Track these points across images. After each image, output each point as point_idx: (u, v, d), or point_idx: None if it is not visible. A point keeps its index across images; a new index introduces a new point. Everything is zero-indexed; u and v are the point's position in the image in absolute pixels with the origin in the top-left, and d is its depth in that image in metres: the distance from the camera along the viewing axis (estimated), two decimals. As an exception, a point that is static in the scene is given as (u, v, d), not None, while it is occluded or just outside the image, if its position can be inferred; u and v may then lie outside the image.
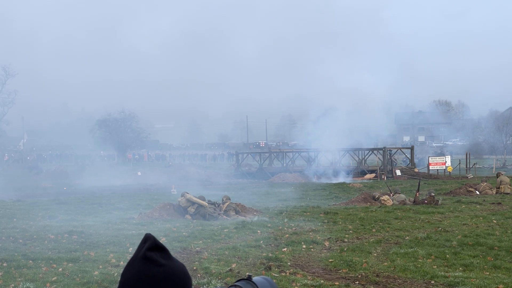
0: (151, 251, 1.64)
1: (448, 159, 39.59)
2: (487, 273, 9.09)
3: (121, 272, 1.69)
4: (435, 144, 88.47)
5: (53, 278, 8.53)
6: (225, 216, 16.06)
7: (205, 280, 8.29)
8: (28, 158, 72.79)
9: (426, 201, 19.23)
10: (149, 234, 1.69)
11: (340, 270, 9.42)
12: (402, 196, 20.65)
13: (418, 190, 20.48)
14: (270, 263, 9.57)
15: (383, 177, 36.88)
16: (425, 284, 8.46)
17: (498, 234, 12.87)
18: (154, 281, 1.63)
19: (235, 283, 1.78)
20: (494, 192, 23.41)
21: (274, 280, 8.31)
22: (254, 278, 1.78)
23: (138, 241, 11.47)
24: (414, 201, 19.64)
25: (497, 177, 24.59)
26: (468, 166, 41.45)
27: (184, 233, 12.97)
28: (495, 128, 68.38)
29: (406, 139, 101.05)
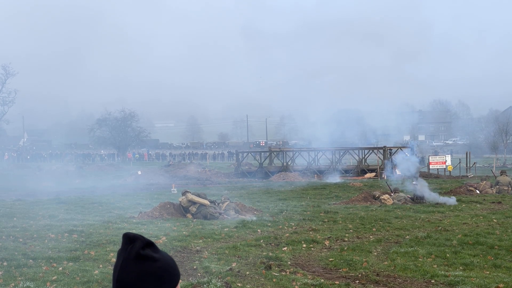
0: (144, 249, 1.67)
1: (448, 158, 39.58)
2: (487, 272, 9.09)
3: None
4: (435, 143, 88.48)
5: (53, 277, 8.53)
6: (225, 216, 16.03)
7: (205, 279, 8.28)
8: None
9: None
10: (132, 233, 1.70)
11: (340, 269, 9.42)
12: (402, 194, 20.72)
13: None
14: (270, 262, 9.57)
15: (383, 176, 36.86)
16: (425, 283, 8.46)
17: (498, 233, 12.87)
18: (156, 277, 1.67)
19: None
20: (494, 191, 23.40)
21: (274, 280, 8.31)
22: None
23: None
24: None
25: (500, 175, 24.53)
26: (468, 165, 41.44)
27: (184, 232, 12.96)
28: (495, 127, 68.33)
29: (406, 138, 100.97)
